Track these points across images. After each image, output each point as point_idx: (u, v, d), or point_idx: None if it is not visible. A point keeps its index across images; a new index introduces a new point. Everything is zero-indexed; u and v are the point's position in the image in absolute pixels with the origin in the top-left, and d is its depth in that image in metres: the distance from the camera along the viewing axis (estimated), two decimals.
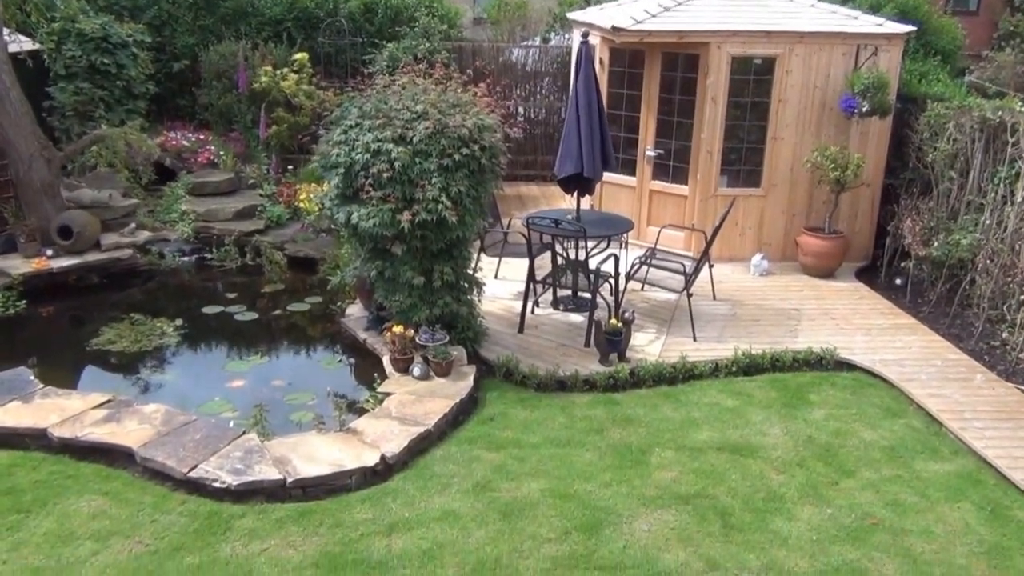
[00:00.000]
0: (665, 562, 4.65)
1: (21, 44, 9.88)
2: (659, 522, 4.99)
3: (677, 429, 6.04)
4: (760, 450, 5.79)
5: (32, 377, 6.36)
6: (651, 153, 9.39)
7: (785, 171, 9.09)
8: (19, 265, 8.48)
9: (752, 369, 6.92)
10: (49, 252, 8.71)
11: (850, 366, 7.04)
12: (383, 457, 5.44)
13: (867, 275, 9.06)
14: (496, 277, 8.54)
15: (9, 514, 4.89)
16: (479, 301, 7.28)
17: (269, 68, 11.36)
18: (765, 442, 5.90)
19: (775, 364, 6.95)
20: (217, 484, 5.13)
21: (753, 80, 8.88)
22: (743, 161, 9.11)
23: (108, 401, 6.01)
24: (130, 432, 5.60)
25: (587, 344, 7.14)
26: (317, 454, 5.44)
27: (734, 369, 6.88)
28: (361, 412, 6.19)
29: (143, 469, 5.36)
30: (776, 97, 8.87)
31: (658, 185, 9.48)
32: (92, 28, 10.39)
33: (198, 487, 5.18)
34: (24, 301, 8.07)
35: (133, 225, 9.45)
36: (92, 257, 8.88)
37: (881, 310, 8.13)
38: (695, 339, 7.31)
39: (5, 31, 8.88)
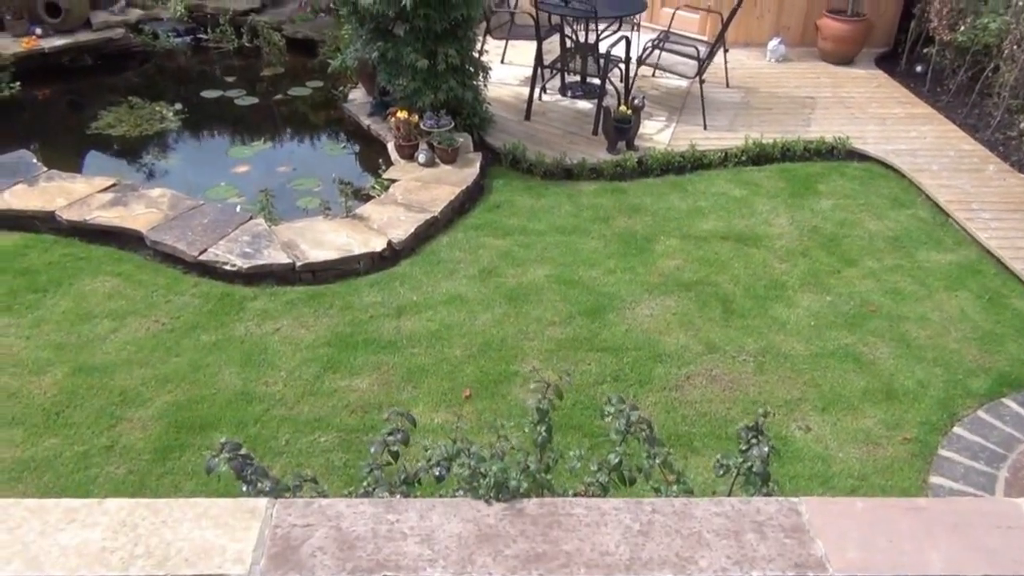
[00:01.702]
0: (665, 344, 4.80)
1: None
2: (661, 307, 5.11)
3: (683, 218, 6.05)
4: (765, 239, 5.82)
5: (35, 160, 6.31)
6: None
7: None
8: (9, 45, 8.17)
9: (762, 159, 6.82)
10: (38, 31, 8.36)
11: (861, 156, 6.93)
12: (390, 243, 5.49)
13: (887, 62, 8.72)
14: (503, 62, 8.25)
15: (27, 293, 5.01)
16: (485, 86, 7.07)
17: None
18: (770, 231, 5.92)
19: (785, 154, 6.84)
20: (228, 267, 5.22)
21: None
22: None
23: (113, 185, 5.99)
24: (138, 216, 5.62)
25: (595, 132, 7.00)
26: (324, 239, 5.48)
27: (743, 159, 6.78)
28: (367, 199, 6.17)
29: (153, 252, 5.43)
30: None
31: None
32: None
33: (209, 270, 5.27)
34: (18, 83, 7.84)
35: (123, 2, 9.03)
36: (83, 37, 8.54)
37: (898, 99, 7.89)
38: (705, 127, 7.16)
39: None
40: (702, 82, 7.21)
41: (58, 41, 8.36)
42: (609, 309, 5.07)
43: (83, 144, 7.15)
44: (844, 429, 4.27)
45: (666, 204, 6.22)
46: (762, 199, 6.31)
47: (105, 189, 5.92)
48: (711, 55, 7.31)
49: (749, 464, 1.95)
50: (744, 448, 1.99)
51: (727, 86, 7.92)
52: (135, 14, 9.03)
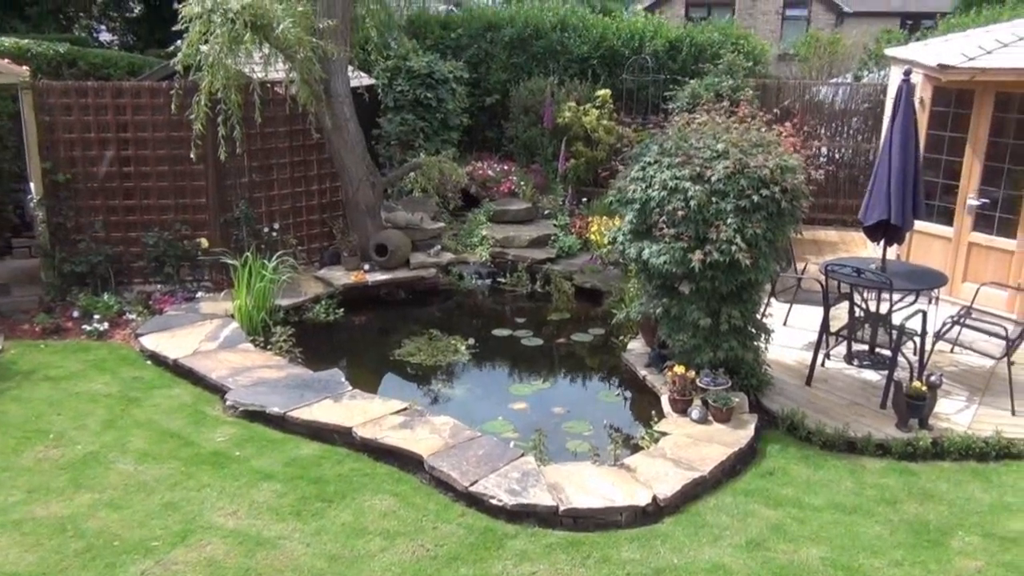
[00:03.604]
0: None
1: (361, 80, 11.09)
2: None
3: (986, 513, 5.38)
4: None
5: (343, 379, 7.04)
6: (974, 202, 8.52)
7: None
8: (341, 277, 9.48)
9: None
10: (366, 267, 9.65)
11: None
12: (655, 498, 5.38)
13: None
14: (785, 324, 8.17)
15: (315, 501, 5.43)
16: (766, 348, 7.00)
17: (573, 104, 11.79)
18: None
19: None
20: (494, 501, 5.35)
21: None
22: None
23: (405, 409, 6.50)
24: (421, 440, 6.01)
25: (883, 405, 6.59)
26: (589, 485, 5.49)
27: None
28: (635, 449, 6.17)
29: (430, 477, 5.72)
30: None
31: (979, 237, 8.57)
32: (420, 65, 11.40)
33: (476, 501, 5.43)
34: (342, 309, 8.99)
35: (439, 247, 10.21)
36: (401, 274, 9.71)
37: None
38: (1013, 413, 6.49)
39: (349, 68, 10.01)
40: (1011, 364, 6.63)
41: (380, 276, 9.56)
42: None
43: (385, 367, 7.91)
44: None
45: (965, 494, 5.59)
46: None
47: (397, 412, 6.44)
48: (1022, 336, 6.75)
49: None
50: None
51: None
52: (447, 257, 10.15)
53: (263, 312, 8.31)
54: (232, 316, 8.30)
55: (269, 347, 7.85)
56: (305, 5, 9.01)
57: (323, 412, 6.43)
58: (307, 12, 8.87)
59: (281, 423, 6.40)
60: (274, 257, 8.71)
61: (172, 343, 7.66)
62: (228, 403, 6.65)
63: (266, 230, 9.47)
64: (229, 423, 6.46)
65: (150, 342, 7.70)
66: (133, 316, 8.37)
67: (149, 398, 6.85)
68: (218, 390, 6.90)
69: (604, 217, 10.52)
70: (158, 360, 7.50)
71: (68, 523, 5.14)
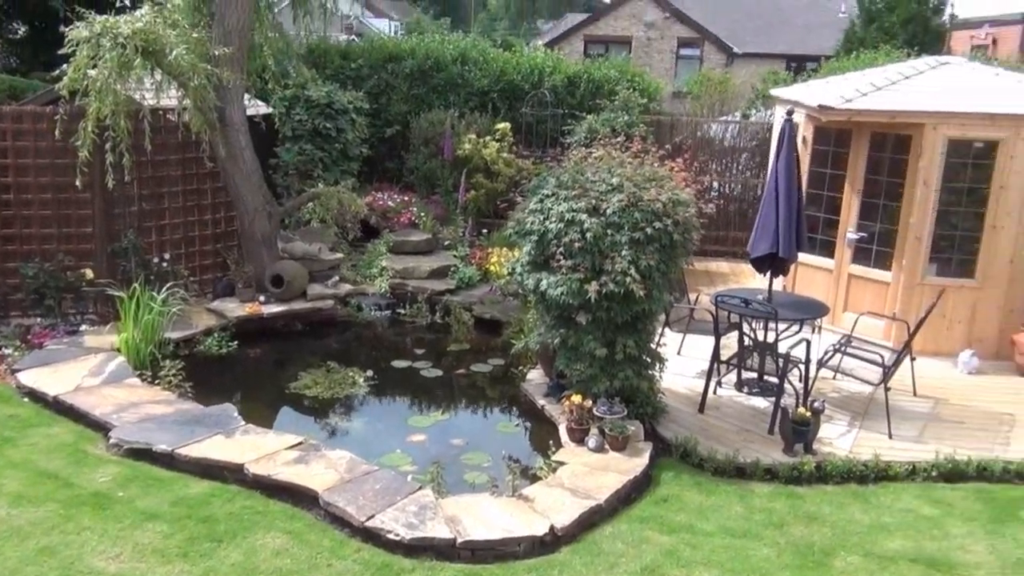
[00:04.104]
0: None
1: (258, 108, 10.92)
2: None
3: (865, 533, 5.62)
4: (960, 567, 5.27)
5: (236, 414, 6.85)
6: (852, 236, 8.97)
7: (1004, 263, 8.41)
8: (235, 308, 9.24)
9: (954, 476, 6.34)
10: (262, 298, 9.44)
11: None
12: (552, 528, 5.41)
13: None
14: (679, 353, 8.38)
15: (204, 541, 5.24)
16: (660, 377, 7.17)
17: (473, 136, 11.90)
18: (967, 559, 5.36)
19: (982, 473, 6.34)
20: (391, 536, 5.28)
21: (971, 164, 8.34)
22: (955, 249, 8.52)
23: (300, 443, 6.36)
24: (316, 475, 5.89)
25: (771, 431, 6.83)
26: (488, 517, 5.48)
27: (934, 474, 6.34)
28: (534, 479, 6.20)
29: (325, 513, 5.61)
30: (997, 183, 8.27)
31: (858, 269, 9.02)
32: (319, 95, 11.30)
33: (372, 536, 5.35)
34: (235, 342, 8.76)
35: (337, 278, 10.09)
36: (298, 305, 9.54)
37: None
38: (890, 436, 6.81)
39: (246, 96, 9.85)
40: (887, 389, 6.97)
41: (276, 308, 9.37)
42: None
43: (280, 401, 7.73)
44: None
45: (846, 515, 5.82)
46: (956, 521, 5.79)
47: (292, 447, 6.30)
48: (897, 362, 7.12)
49: None
50: None
51: (914, 395, 7.60)
52: (345, 288, 10.04)
53: (151, 345, 8.03)
54: (118, 350, 7.98)
55: (158, 382, 7.58)
56: (200, 32, 8.85)
57: (214, 448, 6.23)
58: (202, 39, 8.71)
59: (169, 461, 6.17)
60: (164, 288, 8.44)
61: (52, 379, 7.31)
62: (112, 441, 6.37)
63: (156, 260, 9.17)
64: (113, 462, 6.18)
65: (28, 378, 7.32)
66: (9, 351, 7.95)
67: (25, 437, 6.49)
68: (102, 428, 6.60)
69: (503, 248, 10.61)
70: (36, 397, 7.13)
71: None
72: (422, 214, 11.74)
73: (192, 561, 5.04)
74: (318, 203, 10.16)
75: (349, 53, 13.29)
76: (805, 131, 9.26)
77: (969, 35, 26.15)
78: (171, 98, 8.91)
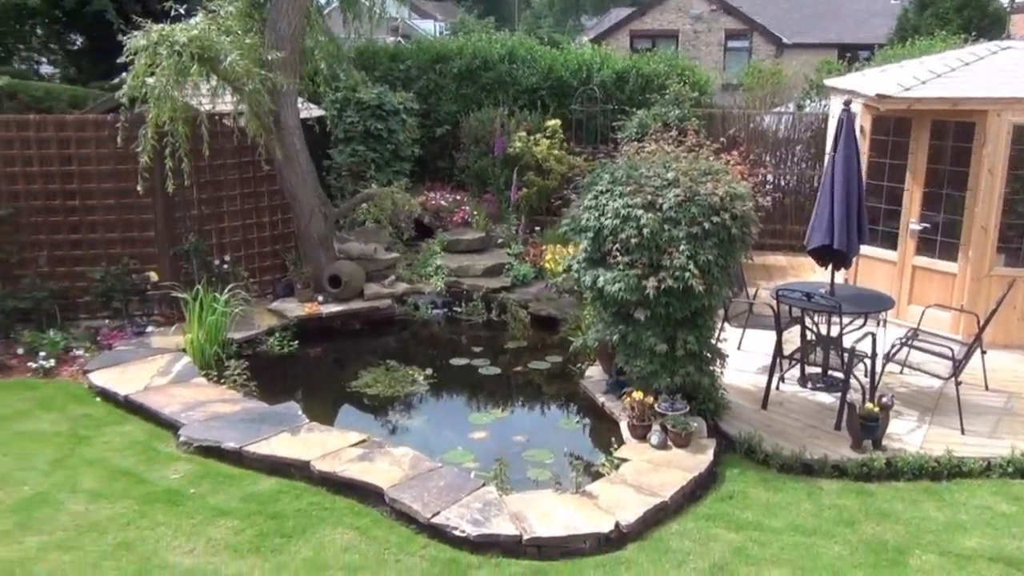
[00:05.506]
0: None
1: (311, 111, 11.06)
2: None
3: (941, 531, 5.49)
4: None
5: (299, 412, 6.94)
6: (915, 227, 8.78)
7: None
8: (295, 309, 9.37)
9: None
10: (320, 298, 9.55)
11: None
12: (617, 524, 5.38)
13: None
14: (739, 348, 8.28)
15: (274, 537, 5.32)
16: (721, 372, 7.09)
17: (523, 134, 11.90)
18: None
19: None
20: (457, 532, 5.30)
21: None
22: None
23: (363, 441, 6.42)
24: (380, 472, 5.94)
25: (837, 427, 6.71)
26: (552, 514, 5.48)
27: (1010, 470, 6.16)
28: (596, 476, 6.18)
29: (390, 509, 5.65)
30: None
31: (922, 261, 8.82)
32: (369, 97, 11.40)
33: (438, 532, 5.37)
34: (296, 341, 8.88)
35: (393, 277, 10.16)
36: (356, 305, 9.63)
37: None
38: (963, 432, 6.65)
39: (299, 100, 9.97)
40: (958, 383, 6.81)
41: (335, 308, 9.47)
42: None
43: (342, 399, 7.81)
44: None
45: (920, 513, 5.70)
46: None
47: (356, 444, 6.36)
48: (968, 356, 6.94)
49: None
50: None
51: (986, 389, 7.41)
52: (401, 287, 10.11)
53: (215, 346, 8.17)
54: (184, 350, 8.13)
55: (223, 381, 7.71)
56: (253, 38, 8.98)
57: (280, 446, 6.32)
58: (255, 44, 8.83)
59: (237, 458, 6.27)
60: (226, 290, 8.58)
61: (122, 379, 7.48)
62: (182, 439, 6.50)
63: (217, 262, 9.34)
64: (183, 459, 6.31)
65: (99, 378, 7.51)
66: (81, 352, 8.16)
67: (99, 436, 6.66)
68: (171, 426, 6.74)
69: (558, 245, 10.57)
70: (108, 397, 7.31)
71: (17, 567, 4.96)
72: (475, 213, 11.77)
73: (264, 556, 5.12)
74: (372, 204, 10.25)
75: (398, 55, 13.39)
76: (862, 121, 9.07)
77: None
78: (226, 103, 9.07)
